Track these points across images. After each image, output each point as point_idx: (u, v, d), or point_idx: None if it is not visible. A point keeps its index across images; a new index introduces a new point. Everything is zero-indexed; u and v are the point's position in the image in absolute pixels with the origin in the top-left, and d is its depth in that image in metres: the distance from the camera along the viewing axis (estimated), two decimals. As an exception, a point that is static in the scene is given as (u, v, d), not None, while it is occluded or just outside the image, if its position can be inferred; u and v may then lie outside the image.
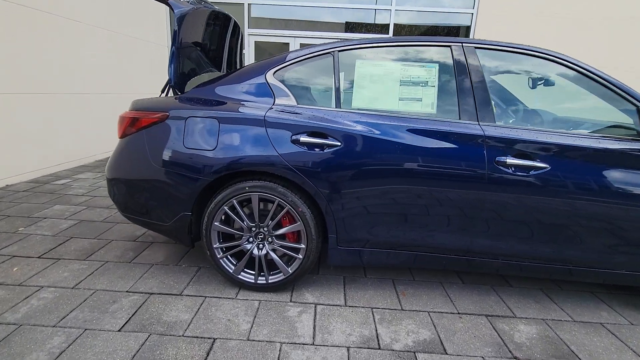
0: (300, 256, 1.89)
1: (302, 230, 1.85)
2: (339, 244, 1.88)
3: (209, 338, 1.61)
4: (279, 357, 1.52)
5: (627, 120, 1.82)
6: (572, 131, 1.76)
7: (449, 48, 1.89)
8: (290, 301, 1.92)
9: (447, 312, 1.88)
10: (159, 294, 1.92)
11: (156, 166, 1.88)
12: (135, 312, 1.76)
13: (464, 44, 1.88)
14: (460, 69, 1.84)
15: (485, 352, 1.61)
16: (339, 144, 1.75)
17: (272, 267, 1.97)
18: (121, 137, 2.01)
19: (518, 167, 1.70)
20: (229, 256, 1.98)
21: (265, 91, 1.89)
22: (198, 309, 1.81)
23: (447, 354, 1.58)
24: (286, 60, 1.93)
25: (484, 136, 1.72)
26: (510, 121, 2.06)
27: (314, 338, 1.65)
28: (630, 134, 1.78)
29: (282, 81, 1.90)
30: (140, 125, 1.92)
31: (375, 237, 1.84)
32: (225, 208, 1.86)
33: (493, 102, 1.80)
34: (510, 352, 1.61)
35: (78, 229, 2.70)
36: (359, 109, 1.85)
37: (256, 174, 1.88)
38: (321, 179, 1.76)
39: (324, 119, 1.78)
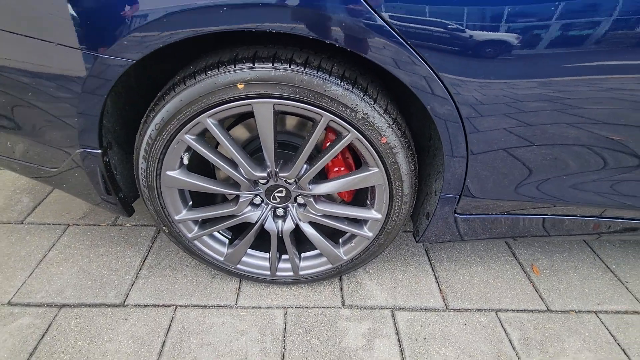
0: (369, 233, 0.88)
1: (384, 183, 0.78)
2: (457, 210, 0.85)
3: None
4: None
5: None
6: None
7: None
8: (344, 305, 1.00)
9: (627, 311, 1.04)
10: (78, 305, 0.95)
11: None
12: (23, 366, 0.81)
13: None
14: None
15: None
16: None
17: (301, 241, 0.98)
18: None
19: None
20: (214, 234, 0.94)
21: None
22: (163, 344, 0.87)
23: None
24: None
25: None
26: None
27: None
28: None
29: None
30: None
31: (541, 189, 0.81)
32: (188, 138, 0.73)
33: None
34: None
35: None
36: None
37: (265, 42, 0.68)
38: (456, 55, 0.60)
39: None
